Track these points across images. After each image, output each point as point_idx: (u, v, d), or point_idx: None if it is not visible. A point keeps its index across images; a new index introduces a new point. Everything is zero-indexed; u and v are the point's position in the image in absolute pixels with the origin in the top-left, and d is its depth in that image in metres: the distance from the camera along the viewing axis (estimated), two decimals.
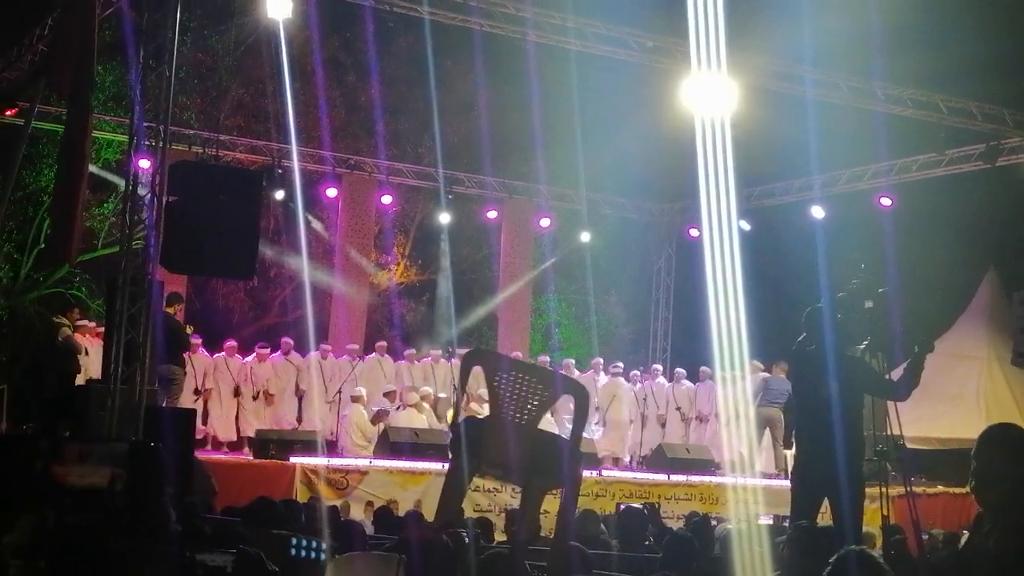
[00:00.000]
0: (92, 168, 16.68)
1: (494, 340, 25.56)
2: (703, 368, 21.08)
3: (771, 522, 11.90)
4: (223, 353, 19.50)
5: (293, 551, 4.88)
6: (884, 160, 21.83)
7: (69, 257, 13.08)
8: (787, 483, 14.93)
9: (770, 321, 13.99)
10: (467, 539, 6.53)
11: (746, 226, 21.87)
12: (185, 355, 17.31)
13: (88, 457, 5.42)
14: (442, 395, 20.08)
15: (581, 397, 8.15)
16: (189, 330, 18.26)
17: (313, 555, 4.92)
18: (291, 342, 20.12)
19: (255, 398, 19.38)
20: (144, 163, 14.63)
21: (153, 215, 13.69)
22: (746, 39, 17.03)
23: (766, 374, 19.18)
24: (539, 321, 27.94)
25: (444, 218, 23.76)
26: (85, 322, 18.65)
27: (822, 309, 9.46)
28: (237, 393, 19.35)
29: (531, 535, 6.32)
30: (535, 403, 7.49)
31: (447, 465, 16.22)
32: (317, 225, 24.20)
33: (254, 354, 19.69)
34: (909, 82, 19.33)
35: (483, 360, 7.94)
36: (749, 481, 10.62)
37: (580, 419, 8.38)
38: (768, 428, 19.19)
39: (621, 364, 21.52)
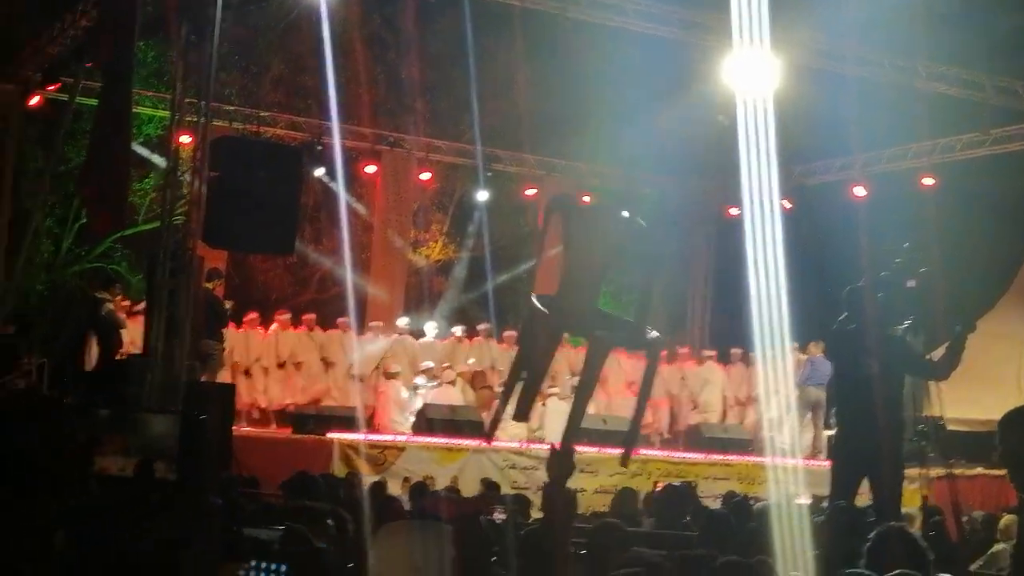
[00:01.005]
0: (133, 144, 16.74)
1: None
2: (734, 350, 21.08)
3: (809, 502, 11.86)
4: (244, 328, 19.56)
5: (252, 573, 4.82)
6: (927, 139, 21.64)
7: (105, 230, 13.16)
8: (825, 463, 14.93)
9: (811, 301, 13.88)
10: (505, 515, 6.53)
11: (787, 205, 21.76)
12: (224, 331, 17.41)
13: (129, 446, 5.45)
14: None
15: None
16: (228, 305, 18.35)
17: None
18: (313, 318, 20.20)
19: (281, 367, 19.44)
20: (185, 139, 14.68)
21: (194, 191, 13.75)
22: (789, 15, 16.89)
23: (815, 355, 19.09)
24: None
25: (482, 195, 23.75)
26: (121, 300, 18.75)
27: (863, 288, 9.41)
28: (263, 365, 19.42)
29: (570, 512, 6.30)
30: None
31: (483, 442, 16.50)
32: (356, 205, 24.22)
33: (275, 324, 19.78)
34: (953, 60, 19.16)
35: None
36: (787, 461, 10.59)
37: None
38: (812, 409, 19.15)
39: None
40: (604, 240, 7.41)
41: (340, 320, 20.15)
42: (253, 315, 19.90)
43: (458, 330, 21.37)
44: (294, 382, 19.43)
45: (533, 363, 7.52)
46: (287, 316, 20.05)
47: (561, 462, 5.67)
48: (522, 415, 7.29)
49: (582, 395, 7.46)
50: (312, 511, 5.93)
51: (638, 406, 8.25)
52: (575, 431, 6.61)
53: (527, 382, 7.55)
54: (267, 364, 19.34)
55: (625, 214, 7.48)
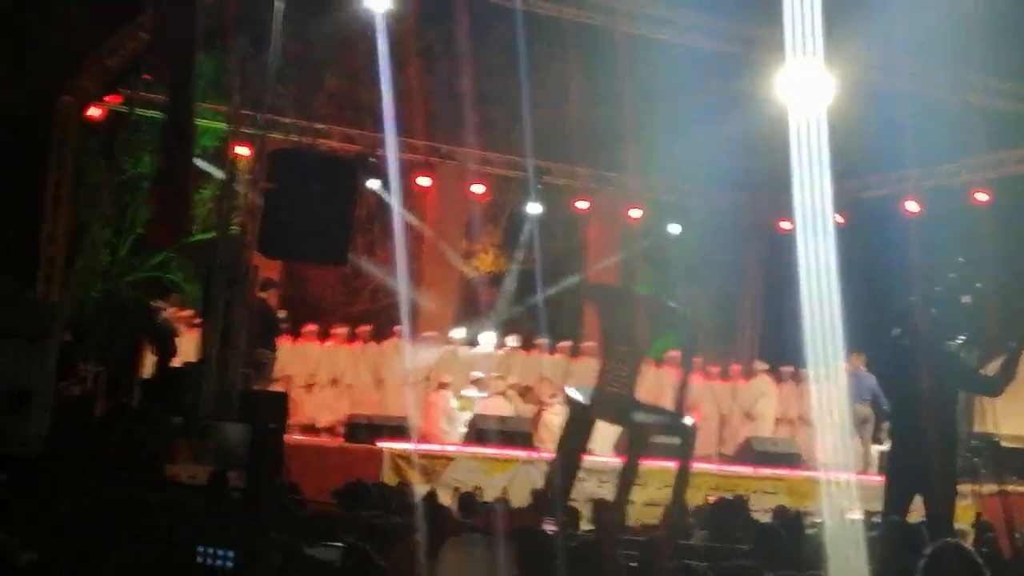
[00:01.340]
0: None
1: (580, 330, 25.55)
2: (785, 368, 21.01)
3: (861, 517, 11.83)
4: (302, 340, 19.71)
5: (199, 558, 4.86)
6: (980, 154, 21.48)
7: (172, 240, 13.34)
8: (876, 478, 14.86)
9: (863, 316, 13.83)
10: (556, 527, 6.57)
11: (839, 219, 21.66)
12: (276, 340, 17.57)
13: (201, 454, 5.52)
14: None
15: None
16: (281, 315, 18.51)
17: (219, 563, 4.89)
18: (368, 330, 20.33)
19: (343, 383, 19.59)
20: (242, 150, 14.84)
21: (251, 201, 13.91)
22: (842, 30, 16.85)
23: (858, 367, 19.00)
24: None
25: (533, 208, 23.82)
26: (179, 311, 18.95)
27: (916, 303, 9.39)
28: (314, 380, 19.56)
29: (619, 524, 6.36)
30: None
31: (533, 453, 16.56)
32: (409, 217, 24.35)
33: (331, 339, 19.91)
34: (1007, 74, 19.03)
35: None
36: (839, 476, 10.58)
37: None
38: (860, 424, 19.04)
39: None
40: (639, 328, 7.49)
41: (396, 328, 20.26)
42: (311, 327, 20.06)
43: (512, 341, 21.43)
44: (346, 399, 19.55)
45: (570, 456, 7.66)
46: (343, 331, 20.17)
47: (612, 520, 5.74)
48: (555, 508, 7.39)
49: (627, 480, 7.58)
50: (370, 523, 5.98)
51: (676, 486, 8.32)
52: (623, 507, 6.69)
53: (563, 477, 7.68)
54: (321, 380, 19.50)
55: (660, 300, 7.62)
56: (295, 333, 19.79)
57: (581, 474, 15.85)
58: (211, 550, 4.66)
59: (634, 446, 7.56)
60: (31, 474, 6.74)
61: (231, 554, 4.73)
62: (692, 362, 8.25)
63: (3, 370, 11.71)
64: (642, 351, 7.71)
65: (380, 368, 19.86)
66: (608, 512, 5.87)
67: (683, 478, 8.29)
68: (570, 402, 7.56)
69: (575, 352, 21.54)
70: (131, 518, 5.07)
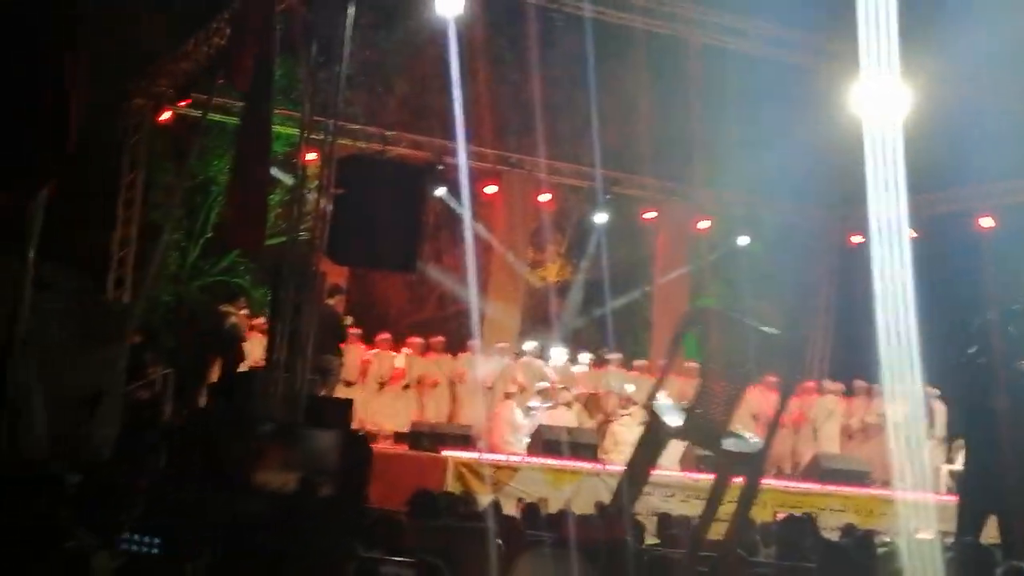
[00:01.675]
0: None
1: (648, 343, 25.43)
2: (857, 382, 20.76)
3: (931, 537, 11.63)
4: (376, 349, 19.75)
5: (125, 545, 4.78)
6: None
7: (254, 247, 13.38)
8: (948, 498, 14.62)
9: (936, 334, 13.62)
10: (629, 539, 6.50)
11: (912, 234, 21.40)
12: (342, 346, 17.59)
13: (291, 462, 5.48)
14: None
15: None
16: (348, 321, 18.55)
17: (147, 549, 4.80)
18: (442, 340, 20.33)
19: (416, 391, 19.61)
20: (312, 156, 14.88)
21: (320, 207, 13.93)
22: (918, 42, 16.63)
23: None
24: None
25: (600, 218, 23.75)
26: (246, 312, 19.03)
27: (993, 321, 9.22)
28: (384, 386, 19.58)
29: (701, 542, 6.28)
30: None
31: (598, 465, 16.48)
32: (476, 225, 24.37)
33: (407, 348, 19.94)
34: None
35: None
36: (909, 495, 10.40)
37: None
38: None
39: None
40: (746, 356, 7.42)
41: (470, 342, 20.27)
42: (385, 335, 20.11)
43: (578, 352, 21.37)
44: (414, 407, 19.57)
45: (640, 469, 7.60)
46: (419, 341, 20.20)
47: (695, 538, 5.66)
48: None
49: (711, 509, 7.52)
50: (441, 534, 5.92)
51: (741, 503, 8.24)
52: (705, 533, 6.63)
53: (630, 489, 7.62)
54: (395, 388, 19.55)
55: (764, 328, 7.54)
56: (367, 340, 19.81)
57: (646, 488, 15.82)
58: (136, 536, 4.61)
59: (722, 471, 7.48)
60: (103, 476, 6.77)
61: (157, 540, 4.67)
62: (791, 393, 8.15)
63: (76, 373, 11.79)
64: (747, 380, 7.64)
65: (451, 377, 19.84)
66: (694, 530, 5.77)
67: (750, 495, 8.17)
68: (652, 417, 7.46)
69: (629, 364, 21.45)
70: (217, 525, 5.04)
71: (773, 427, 8.43)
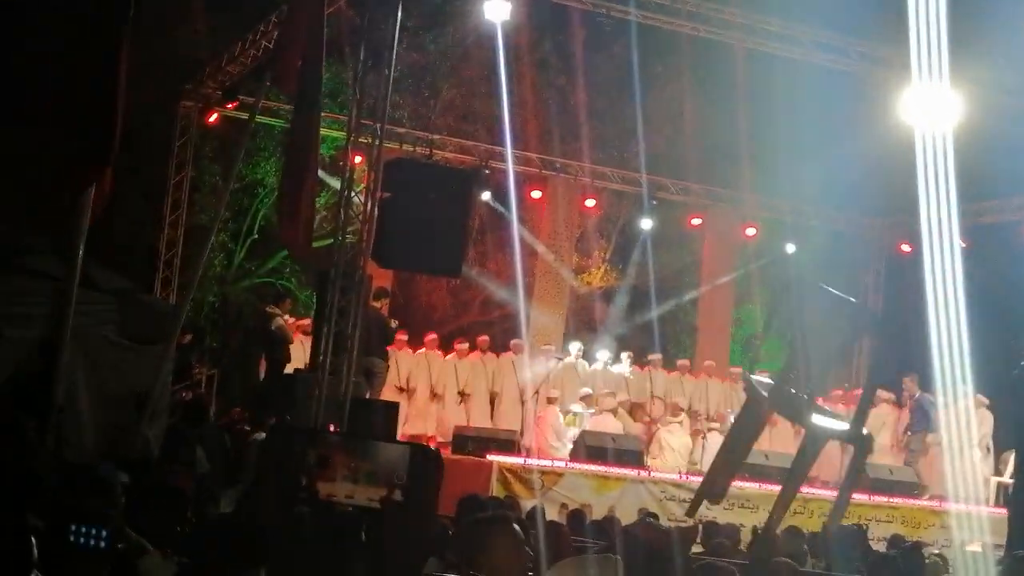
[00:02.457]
0: None
1: (693, 348, 25.33)
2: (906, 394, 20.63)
3: (980, 549, 11.50)
4: (423, 349, 19.74)
5: (72, 537, 4.73)
6: None
7: (303, 250, 13.40)
8: (997, 510, 14.47)
9: (989, 344, 13.48)
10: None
11: (962, 244, 21.25)
12: (388, 349, 17.60)
13: (358, 473, 5.41)
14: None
15: None
16: (394, 324, 18.55)
17: (93, 543, 4.74)
18: (487, 340, 20.32)
19: (461, 395, 19.61)
20: (359, 159, 14.91)
21: (367, 210, 13.95)
22: (969, 50, 16.48)
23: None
24: (739, 332, 27.56)
25: (646, 223, 23.69)
26: (293, 320, 19.07)
27: None
28: (436, 391, 19.57)
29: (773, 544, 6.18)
30: None
31: (643, 472, 16.41)
32: (522, 231, 24.35)
33: (453, 352, 19.94)
34: None
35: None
36: (960, 507, 10.27)
37: None
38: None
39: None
40: (836, 328, 7.34)
41: (513, 342, 20.23)
42: (432, 336, 20.11)
43: (624, 358, 21.29)
44: (463, 410, 19.55)
45: (736, 446, 7.50)
46: (464, 345, 20.20)
47: (765, 544, 5.57)
48: (719, 495, 7.24)
49: (794, 483, 7.42)
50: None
51: (840, 496, 8.15)
52: (781, 516, 6.53)
53: (730, 462, 7.52)
54: (441, 391, 19.52)
55: (856, 303, 7.43)
56: (413, 343, 19.81)
57: (690, 495, 15.73)
58: (84, 528, 4.57)
59: (806, 449, 7.37)
60: (151, 477, 6.79)
61: (104, 533, 4.63)
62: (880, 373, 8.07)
63: (123, 374, 11.83)
64: (837, 350, 7.56)
65: (498, 382, 19.80)
66: (762, 538, 5.66)
67: (850, 483, 8.06)
68: (749, 391, 7.39)
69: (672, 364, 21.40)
70: (282, 535, 5.01)
71: (863, 407, 8.27)
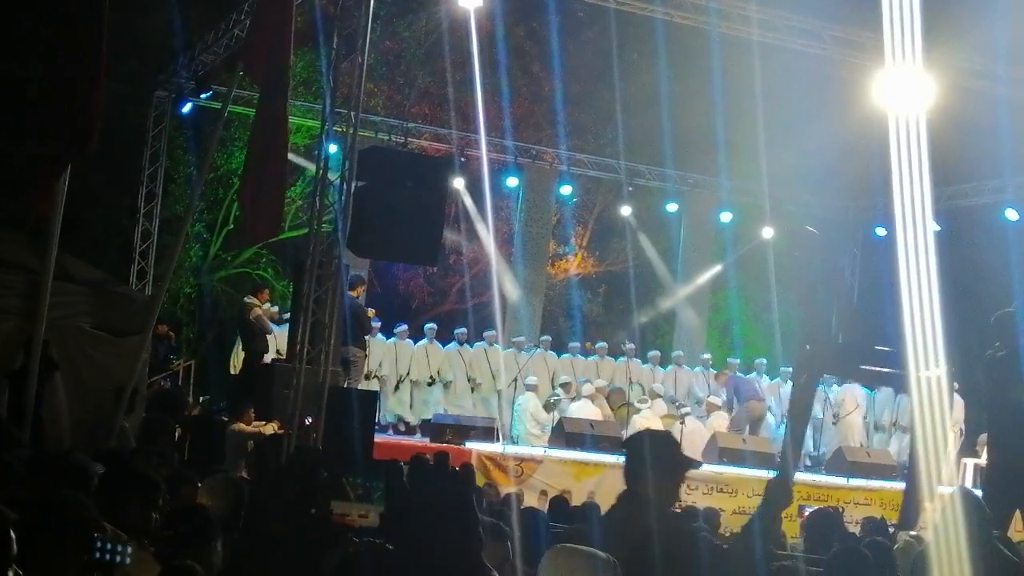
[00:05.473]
0: None
1: (671, 335, 25.38)
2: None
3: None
4: (395, 338, 19.68)
5: (97, 554, 4.74)
6: None
7: (271, 233, 13.39)
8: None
9: (960, 327, 13.55)
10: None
11: (936, 227, 21.36)
12: (365, 338, 17.57)
13: (369, 495, 5.41)
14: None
15: None
16: (371, 313, 18.53)
17: (117, 558, 4.76)
18: (465, 332, 20.30)
19: (430, 384, 19.60)
20: (333, 148, 14.89)
21: (342, 199, 13.92)
22: (942, 33, 16.53)
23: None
24: (717, 317, 27.64)
25: (625, 210, 23.73)
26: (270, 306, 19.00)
27: (1013, 313, 9.15)
28: (404, 378, 19.55)
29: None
30: None
31: (621, 458, 16.44)
32: (498, 218, 24.36)
33: (425, 339, 19.93)
34: None
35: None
36: (936, 488, 10.33)
37: None
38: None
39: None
40: None
41: (487, 333, 20.23)
42: (403, 327, 20.09)
43: (602, 346, 21.36)
44: (441, 398, 19.56)
45: (802, 405, 7.46)
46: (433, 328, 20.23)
47: (780, 490, 5.53)
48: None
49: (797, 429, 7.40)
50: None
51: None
52: (793, 461, 6.49)
53: (795, 427, 7.49)
54: (417, 379, 19.53)
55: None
56: (387, 332, 19.78)
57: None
58: (107, 544, 4.57)
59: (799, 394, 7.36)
60: (127, 467, 6.78)
61: (129, 549, 4.64)
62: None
63: (99, 365, 11.82)
64: None
65: (475, 371, 19.80)
66: (777, 483, 5.61)
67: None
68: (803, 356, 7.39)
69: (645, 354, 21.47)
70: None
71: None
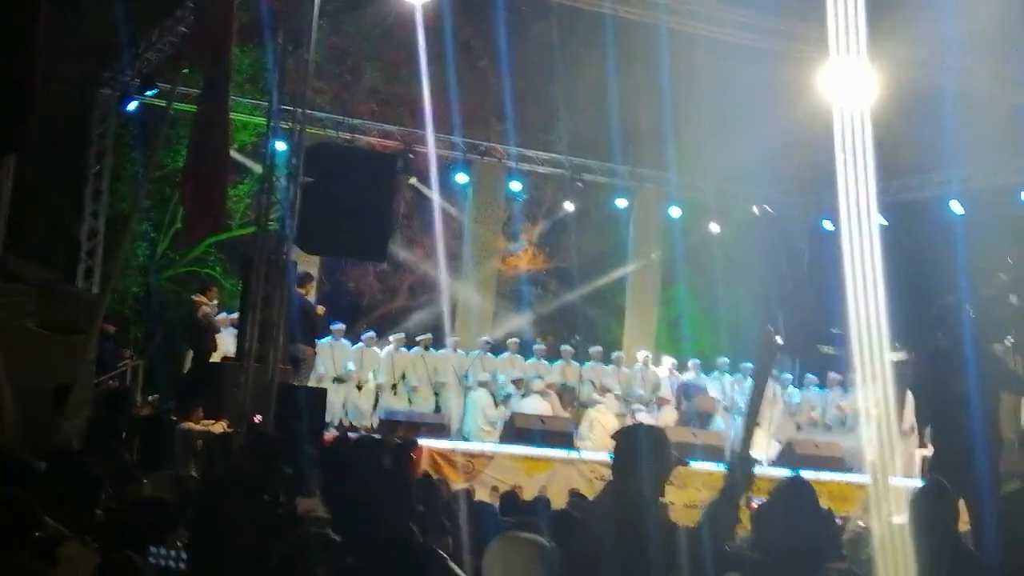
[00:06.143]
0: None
1: (620, 331, 25.44)
2: (831, 374, 20.88)
3: (904, 522, 11.64)
4: (330, 338, 19.51)
5: (152, 559, 4.75)
6: None
7: (216, 228, 13.31)
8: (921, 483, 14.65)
9: (906, 320, 13.66)
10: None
11: (882, 220, 21.57)
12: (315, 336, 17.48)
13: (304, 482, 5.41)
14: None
15: None
16: (320, 311, 18.45)
17: (172, 563, 4.78)
18: (403, 336, 20.20)
19: (394, 387, 19.53)
20: (280, 145, 14.82)
21: (289, 196, 13.87)
22: (887, 27, 16.65)
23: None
24: (667, 312, 27.72)
25: (569, 206, 23.83)
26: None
27: (954, 304, 9.21)
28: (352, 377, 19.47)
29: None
30: None
31: (574, 453, 16.46)
32: (450, 208, 24.29)
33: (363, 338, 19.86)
34: None
35: None
36: (881, 480, 10.39)
37: None
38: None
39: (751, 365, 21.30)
40: None
41: (421, 338, 20.15)
42: (341, 327, 19.94)
43: (550, 341, 21.42)
44: (385, 397, 19.48)
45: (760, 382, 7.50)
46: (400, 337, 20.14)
47: (743, 469, 5.59)
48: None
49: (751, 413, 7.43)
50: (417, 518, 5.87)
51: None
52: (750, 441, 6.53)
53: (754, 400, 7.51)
54: (359, 378, 19.43)
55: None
56: (335, 331, 19.66)
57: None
58: (163, 550, 4.57)
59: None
60: (72, 465, 6.73)
61: (184, 555, 4.63)
62: None
63: (45, 365, 11.72)
64: None
65: (418, 368, 19.74)
66: (739, 462, 5.67)
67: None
68: (766, 336, 7.40)
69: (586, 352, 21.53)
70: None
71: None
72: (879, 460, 9.97)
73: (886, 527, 7.72)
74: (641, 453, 5.47)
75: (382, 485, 5.00)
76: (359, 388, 19.23)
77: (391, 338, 20.08)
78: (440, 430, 17.00)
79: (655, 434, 5.70)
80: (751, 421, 7.33)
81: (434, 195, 20.64)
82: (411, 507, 5.10)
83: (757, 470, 5.88)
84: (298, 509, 5.35)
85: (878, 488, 9.94)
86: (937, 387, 9.63)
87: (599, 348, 21.72)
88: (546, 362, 20.66)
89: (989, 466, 8.96)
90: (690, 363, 21.70)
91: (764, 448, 18.17)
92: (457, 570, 5.31)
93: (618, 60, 24.06)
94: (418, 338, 20.14)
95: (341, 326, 19.74)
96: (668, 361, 21.79)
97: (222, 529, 5.11)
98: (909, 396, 9.56)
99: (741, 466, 5.69)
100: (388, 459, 5.98)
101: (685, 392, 20.38)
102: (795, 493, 6.71)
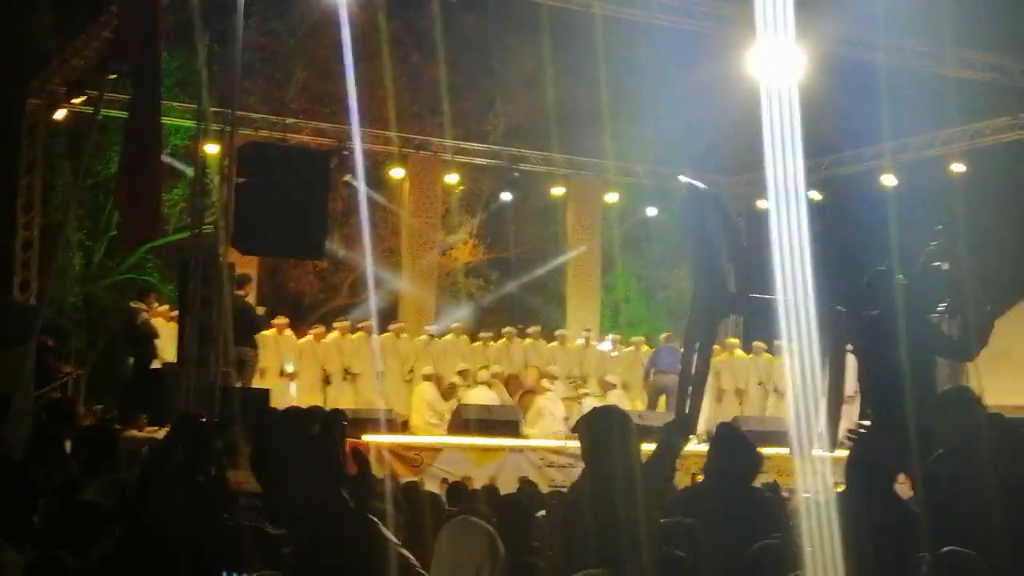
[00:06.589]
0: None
1: (562, 318, 25.52)
2: (778, 342, 20.99)
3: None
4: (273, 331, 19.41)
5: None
6: (955, 126, 21.51)
7: (153, 233, 13.22)
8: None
9: (840, 292, 13.79)
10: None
11: (817, 196, 21.78)
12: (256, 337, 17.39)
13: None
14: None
15: None
16: (260, 311, 18.36)
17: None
18: (346, 324, 20.14)
19: (345, 378, 19.46)
20: (212, 147, 14.73)
21: (223, 198, 13.80)
22: (813, 4, 16.81)
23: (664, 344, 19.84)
24: (608, 297, 27.85)
25: (506, 196, 23.87)
26: (158, 306, 18.75)
27: (885, 272, 9.27)
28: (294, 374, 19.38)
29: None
30: None
31: (520, 441, 16.50)
32: (386, 203, 24.26)
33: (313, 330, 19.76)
34: (980, 46, 19.01)
35: None
36: (817, 452, 10.50)
37: None
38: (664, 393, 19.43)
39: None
40: None
41: (362, 324, 20.05)
42: (282, 320, 19.83)
43: (491, 330, 21.41)
44: (328, 392, 19.41)
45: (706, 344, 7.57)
46: (319, 329, 20.05)
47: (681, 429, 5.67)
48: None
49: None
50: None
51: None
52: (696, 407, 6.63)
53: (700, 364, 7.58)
54: (300, 374, 19.36)
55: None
56: (273, 327, 19.54)
57: (570, 460, 15.87)
58: (233, 574, 4.59)
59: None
60: (11, 474, 6.68)
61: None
62: None
63: None
64: None
65: (358, 361, 19.67)
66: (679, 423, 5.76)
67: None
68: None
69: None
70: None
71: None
72: (803, 432, 10.03)
73: (823, 497, 7.78)
74: (612, 435, 5.49)
75: (310, 450, 5.03)
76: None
77: (335, 325, 20.02)
78: (387, 424, 16.95)
79: (620, 417, 5.72)
80: (688, 390, 7.41)
81: (360, 186, 20.52)
82: (340, 472, 5.14)
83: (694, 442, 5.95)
84: (230, 481, 5.36)
85: (804, 461, 10.02)
86: (871, 357, 9.70)
87: (537, 328, 21.70)
88: (489, 350, 20.70)
89: (926, 436, 9.04)
90: (632, 339, 21.82)
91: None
92: (388, 534, 5.33)
93: (551, 48, 24.16)
94: (359, 324, 20.00)
95: (284, 320, 19.66)
96: (611, 338, 21.90)
97: (156, 518, 5.11)
98: (850, 359, 9.59)
99: (676, 429, 5.75)
100: (317, 426, 6.04)
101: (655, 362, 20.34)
102: (727, 437, 6.82)
